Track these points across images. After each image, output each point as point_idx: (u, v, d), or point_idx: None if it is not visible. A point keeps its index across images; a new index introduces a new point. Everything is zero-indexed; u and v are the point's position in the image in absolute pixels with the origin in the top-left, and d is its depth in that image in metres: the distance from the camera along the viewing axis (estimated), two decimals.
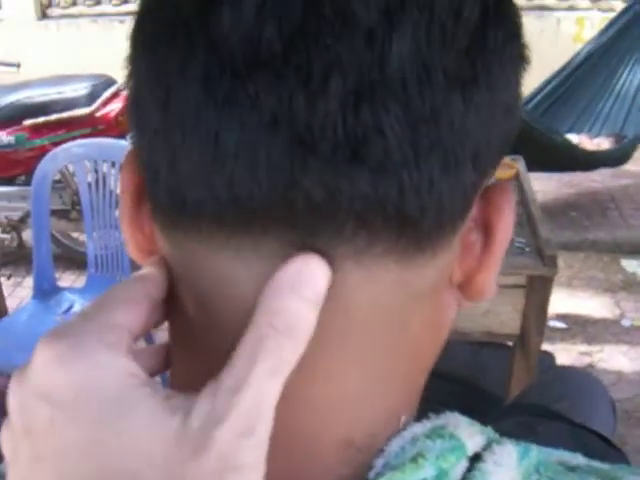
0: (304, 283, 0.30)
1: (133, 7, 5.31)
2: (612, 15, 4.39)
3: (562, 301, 3.22)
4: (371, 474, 0.34)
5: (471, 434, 0.37)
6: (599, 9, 5.19)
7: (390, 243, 0.31)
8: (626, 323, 3.28)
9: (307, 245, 0.30)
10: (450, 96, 0.29)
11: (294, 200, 0.29)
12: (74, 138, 2.79)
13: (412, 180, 0.29)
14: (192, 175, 0.30)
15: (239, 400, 0.28)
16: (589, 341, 3.13)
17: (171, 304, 0.36)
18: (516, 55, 0.33)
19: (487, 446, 0.37)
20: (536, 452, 0.38)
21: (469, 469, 0.35)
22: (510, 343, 1.83)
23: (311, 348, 0.31)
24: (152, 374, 0.36)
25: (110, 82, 3.41)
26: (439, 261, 0.33)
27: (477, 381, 1.61)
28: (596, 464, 0.41)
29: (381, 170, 0.29)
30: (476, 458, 0.36)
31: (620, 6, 4.66)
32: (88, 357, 0.30)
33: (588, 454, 0.42)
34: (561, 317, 3.17)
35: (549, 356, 2.00)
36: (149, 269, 0.35)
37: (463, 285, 0.36)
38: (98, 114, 3.29)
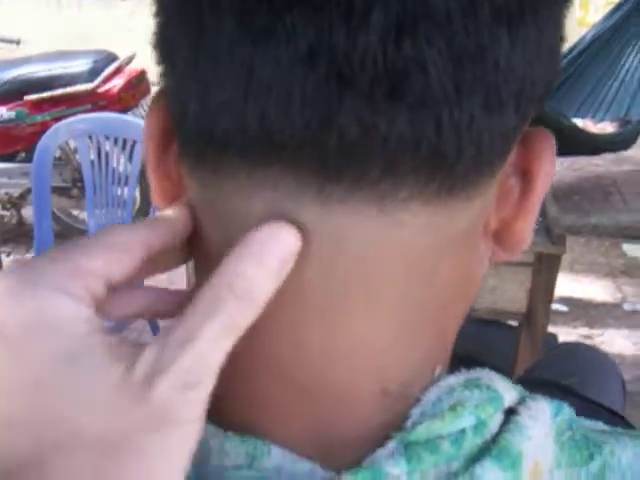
0: (270, 252, 0.29)
1: None
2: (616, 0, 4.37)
3: (564, 285, 3.22)
4: (408, 423, 0.34)
5: (506, 388, 0.37)
6: None
7: (417, 187, 0.30)
8: (627, 307, 3.29)
9: (327, 189, 0.29)
10: (496, 31, 0.28)
11: (326, 137, 0.28)
12: (75, 114, 2.77)
13: (452, 118, 0.28)
14: (223, 107, 0.29)
15: (184, 354, 0.28)
16: (590, 324, 3.14)
17: (195, 248, 0.35)
18: None
19: (521, 401, 0.37)
20: (569, 410, 0.38)
21: (504, 422, 0.35)
22: (515, 324, 1.83)
23: (338, 299, 0.31)
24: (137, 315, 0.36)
25: (112, 58, 3.40)
26: (474, 206, 0.32)
27: (481, 357, 1.60)
28: (621, 430, 0.41)
29: (420, 106, 0.28)
30: (510, 412, 0.36)
31: None
32: (40, 295, 0.29)
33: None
34: (563, 300, 3.17)
35: (553, 337, 2.00)
36: (171, 210, 0.35)
37: (499, 234, 0.35)
38: (100, 90, 3.28)
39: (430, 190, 0.30)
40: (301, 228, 0.30)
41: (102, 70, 3.30)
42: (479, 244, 0.35)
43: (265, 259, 0.29)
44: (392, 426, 0.34)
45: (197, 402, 0.28)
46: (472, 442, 0.34)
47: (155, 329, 2.35)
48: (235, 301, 0.29)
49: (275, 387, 0.34)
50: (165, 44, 0.32)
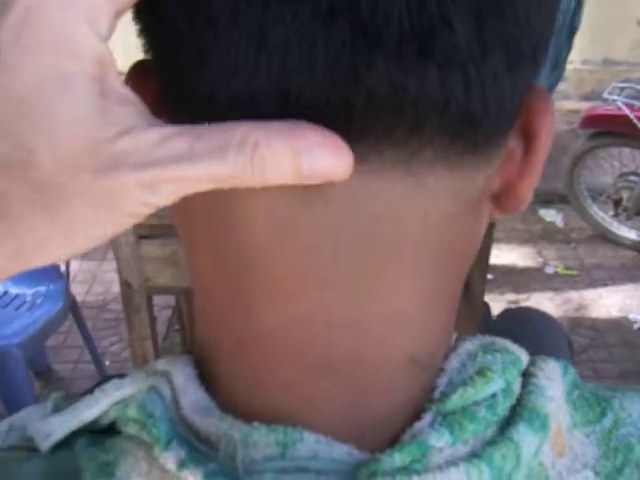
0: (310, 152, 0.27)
1: None
2: None
3: None
4: (436, 393, 0.33)
5: (519, 349, 0.36)
6: None
7: (442, 148, 0.29)
8: (549, 270, 3.40)
9: (351, 147, 0.27)
10: None
11: (353, 96, 0.27)
12: None
13: (479, 75, 0.27)
14: (228, 75, 0.27)
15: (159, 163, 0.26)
16: (516, 290, 3.24)
17: (187, 231, 0.34)
18: None
19: (532, 362, 0.36)
20: (572, 369, 0.38)
21: (523, 385, 0.35)
22: None
23: (365, 268, 0.30)
24: None
25: None
26: (490, 167, 0.31)
27: None
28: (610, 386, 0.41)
29: (448, 65, 0.27)
30: (526, 374, 0.36)
31: None
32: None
33: None
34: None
35: (485, 305, 2.04)
36: None
37: (500, 195, 0.34)
38: None
39: (454, 151, 0.29)
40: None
41: None
42: (484, 203, 0.34)
43: (300, 149, 0.26)
44: (420, 399, 0.33)
45: (138, 203, 0.27)
46: (503, 406, 0.33)
47: None
48: (239, 160, 0.26)
49: (304, 373, 0.32)
50: (150, 12, 0.29)
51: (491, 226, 1.68)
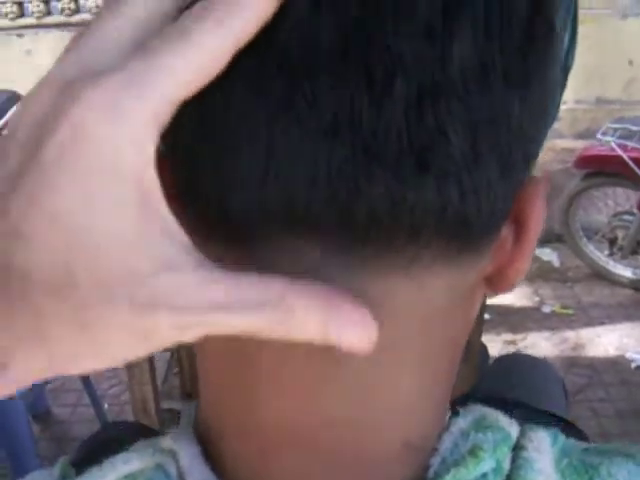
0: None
1: (30, 20, 5.17)
2: None
3: None
4: (430, 473, 0.34)
5: (509, 423, 0.37)
6: None
7: (439, 250, 0.30)
8: (546, 309, 3.40)
9: (352, 256, 0.29)
10: (507, 96, 0.28)
11: (355, 209, 0.28)
12: None
13: (473, 183, 0.28)
14: (239, 184, 0.28)
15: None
16: (512, 330, 3.23)
17: None
18: (558, 46, 0.32)
19: (522, 434, 0.37)
20: (562, 436, 0.39)
21: (513, 459, 0.36)
22: None
23: (367, 361, 0.31)
24: None
25: (16, 97, 3.30)
26: (482, 261, 0.33)
27: None
28: (600, 446, 0.42)
29: (445, 175, 0.28)
30: (516, 447, 0.36)
31: None
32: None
33: None
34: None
35: (483, 347, 2.03)
36: None
37: (493, 278, 0.36)
38: (4, 132, 3.18)
39: (450, 252, 0.30)
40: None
41: (6, 112, 3.21)
42: (478, 288, 0.35)
43: (333, 321, 0.27)
44: (415, 478, 0.34)
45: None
46: None
47: None
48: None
49: (301, 460, 0.34)
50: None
51: None
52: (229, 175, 0.29)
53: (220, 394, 0.35)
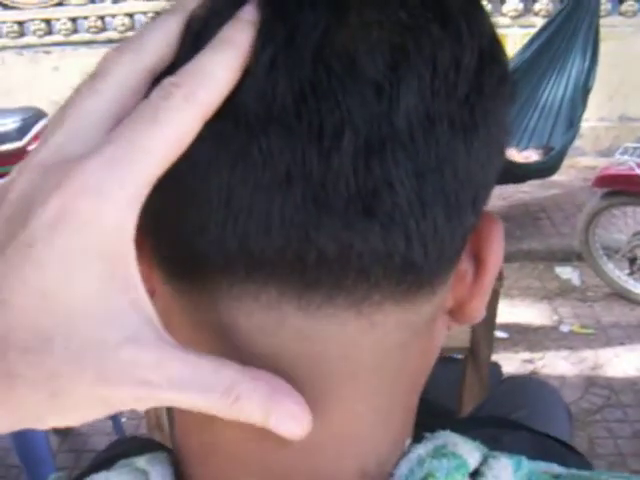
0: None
1: (58, 38, 5.25)
2: (533, 31, 4.52)
3: (502, 311, 3.25)
4: None
5: (469, 450, 0.38)
6: (520, 25, 5.33)
7: (389, 290, 0.31)
8: (565, 329, 3.36)
9: (306, 297, 0.31)
10: (453, 145, 0.30)
11: (305, 254, 0.29)
12: (6, 174, 2.73)
13: (419, 230, 0.30)
14: (202, 228, 0.30)
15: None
16: (530, 348, 3.20)
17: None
18: (507, 95, 0.34)
19: (484, 461, 0.38)
20: (527, 463, 0.39)
21: None
22: (459, 356, 1.85)
23: (321, 395, 0.33)
24: None
25: (40, 115, 3.36)
26: (437, 297, 0.34)
27: (426, 395, 1.61)
28: (575, 472, 0.43)
29: (390, 223, 0.29)
30: (475, 474, 0.37)
31: (540, 22, 4.81)
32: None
33: (550, 461, 0.43)
34: (502, 327, 3.22)
35: (496, 366, 2.03)
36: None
37: (454, 311, 0.37)
38: (29, 148, 3.23)
39: (400, 291, 0.31)
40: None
41: (31, 128, 3.26)
42: (438, 322, 0.37)
43: (274, 412, 0.30)
44: None
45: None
46: None
47: None
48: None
49: None
50: None
51: (495, 293, 1.69)
52: (192, 221, 0.31)
53: (185, 422, 0.37)
